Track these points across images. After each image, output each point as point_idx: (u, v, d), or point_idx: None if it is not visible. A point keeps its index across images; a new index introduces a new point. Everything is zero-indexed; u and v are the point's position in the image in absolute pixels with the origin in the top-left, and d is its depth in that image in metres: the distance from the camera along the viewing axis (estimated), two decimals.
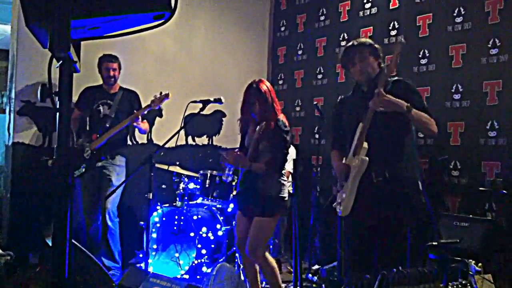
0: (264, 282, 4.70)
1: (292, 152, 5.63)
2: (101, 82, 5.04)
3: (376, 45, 3.44)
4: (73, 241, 3.26)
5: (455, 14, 5.05)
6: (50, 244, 1.58)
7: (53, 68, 1.43)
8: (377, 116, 3.18)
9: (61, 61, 1.39)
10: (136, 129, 5.05)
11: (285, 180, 3.86)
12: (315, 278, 4.87)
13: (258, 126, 3.65)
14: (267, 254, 3.85)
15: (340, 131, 3.69)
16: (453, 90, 5.02)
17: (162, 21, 1.46)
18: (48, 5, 1.30)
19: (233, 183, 5.02)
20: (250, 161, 3.74)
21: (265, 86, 3.81)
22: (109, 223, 4.71)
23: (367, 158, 3.18)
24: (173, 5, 1.41)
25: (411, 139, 3.40)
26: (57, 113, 1.40)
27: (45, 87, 1.44)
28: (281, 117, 3.82)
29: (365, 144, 3.22)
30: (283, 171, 3.87)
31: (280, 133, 3.74)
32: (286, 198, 3.83)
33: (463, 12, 4.99)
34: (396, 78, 3.46)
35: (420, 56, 5.31)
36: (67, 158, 1.39)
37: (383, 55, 3.42)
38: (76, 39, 1.48)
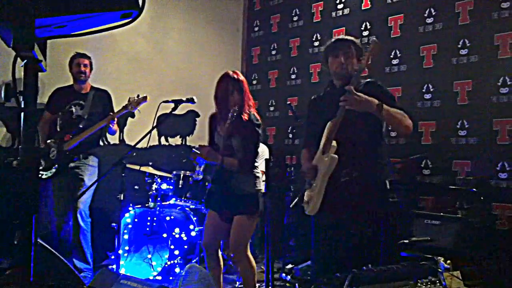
0: (238, 282, 4.70)
1: (265, 152, 5.64)
2: (71, 82, 4.96)
3: (363, 51, 3.43)
4: (42, 242, 3.20)
5: (426, 15, 5.12)
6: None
7: (18, 67, 1.41)
8: (348, 114, 3.18)
9: (25, 60, 1.36)
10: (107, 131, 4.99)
11: (258, 173, 3.81)
12: (289, 277, 4.87)
13: (229, 114, 3.59)
14: (249, 253, 3.80)
15: (312, 130, 3.67)
16: (424, 90, 5.09)
17: (130, 19, 1.43)
18: (11, 4, 1.27)
19: (207, 184, 5.00)
20: (222, 156, 3.67)
21: (242, 76, 3.75)
22: (81, 223, 4.65)
23: (336, 156, 3.16)
24: (141, 3, 1.40)
25: (380, 139, 3.40)
26: (22, 113, 1.37)
27: (9, 86, 1.41)
28: (253, 111, 3.77)
29: (334, 143, 3.20)
30: (256, 165, 3.84)
31: (253, 126, 3.67)
32: (263, 191, 3.76)
33: (434, 13, 5.07)
34: (367, 80, 3.47)
35: (391, 56, 5.37)
36: (32, 158, 1.37)
37: (362, 59, 3.41)
38: (41, 37, 1.45)
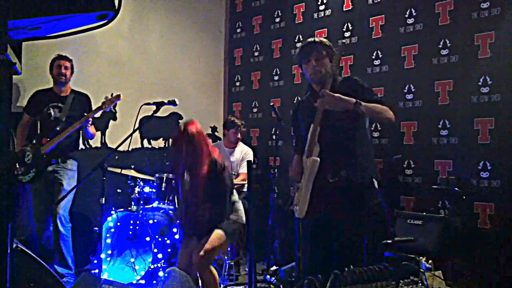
0: None
1: (248, 153, 5.64)
2: (51, 85, 4.91)
3: (334, 49, 3.42)
4: (23, 248, 3.16)
5: (406, 16, 5.15)
6: None
7: None
8: (327, 116, 3.18)
9: None
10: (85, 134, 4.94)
11: (234, 196, 3.87)
12: (273, 279, 4.86)
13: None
14: (211, 267, 3.75)
15: (299, 134, 3.69)
16: (405, 90, 5.11)
17: (106, 21, 1.41)
18: None
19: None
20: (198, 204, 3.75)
21: (194, 128, 3.74)
22: (61, 228, 4.59)
23: (318, 159, 3.17)
24: (116, 5, 1.38)
25: (364, 137, 3.40)
26: None
27: None
28: (215, 156, 3.77)
29: (317, 145, 3.22)
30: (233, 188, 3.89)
31: (216, 175, 3.70)
32: (235, 219, 3.86)
33: (414, 14, 5.10)
34: (344, 76, 3.49)
35: (373, 57, 5.39)
36: (6, 163, 1.34)
37: (337, 59, 3.41)
38: (15, 40, 1.43)
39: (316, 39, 3.44)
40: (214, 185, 3.71)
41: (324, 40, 3.45)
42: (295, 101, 3.85)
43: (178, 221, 4.05)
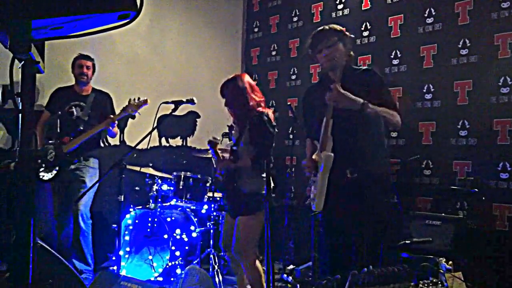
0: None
1: None
2: (73, 83, 4.96)
3: (347, 33, 3.31)
4: (43, 244, 3.20)
5: (426, 15, 5.11)
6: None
7: (16, 68, 1.40)
8: (339, 109, 3.15)
9: (22, 62, 1.36)
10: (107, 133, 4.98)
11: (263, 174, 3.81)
12: (290, 278, 4.87)
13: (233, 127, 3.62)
14: (255, 257, 3.70)
15: (310, 121, 3.63)
16: (424, 90, 5.08)
17: (128, 20, 1.42)
18: (6, 5, 1.26)
19: (207, 185, 5.00)
20: (234, 161, 3.72)
21: (240, 80, 3.75)
22: (82, 225, 4.64)
23: (331, 154, 3.13)
24: (138, 4, 1.39)
25: (379, 133, 3.35)
26: (19, 115, 1.36)
27: (6, 88, 1.40)
28: (262, 110, 3.72)
29: (330, 139, 3.17)
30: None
31: (260, 126, 3.66)
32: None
33: (433, 13, 5.06)
34: (365, 67, 3.44)
35: (392, 56, 5.36)
36: (29, 161, 1.36)
37: (351, 44, 3.32)
38: (38, 39, 1.44)
39: (326, 27, 3.35)
40: (256, 136, 3.67)
41: (335, 25, 3.35)
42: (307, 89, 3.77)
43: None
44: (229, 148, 3.93)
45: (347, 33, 3.31)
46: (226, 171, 3.84)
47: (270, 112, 3.74)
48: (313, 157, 3.30)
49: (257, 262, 3.73)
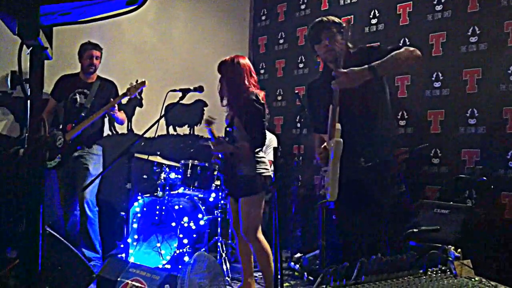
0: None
1: (273, 141, 5.61)
2: (78, 70, 4.95)
3: (344, 25, 3.31)
4: (52, 232, 3.21)
5: (435, 2, 5.07)
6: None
7: (24, 55, 1.39)
8: (348, 97, 3.13)
9: (31, 48, 1.35)
10: (114, 120, 4.98)
11: (261, 157, 3.85)
12: (297, 266, 4.88)
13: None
14: (261, 236, 3.84)
15: (315, 114, 3.64)
16: (433, 78, 5.04)
17: (135, 6, 1.41)
18: None
19: (215, 173, 5.00)
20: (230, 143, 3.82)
21: (235, 60, 3.91)
22: (89, 212, 4.66)
23: (341, 140, 3.11)
24: None
25: (386, 116, 3.34)
26: (28, 101, 1.36)
27: (15, 74, 1.41)
28: (255, 91, 3.82)
29: (338, 126, 3.15)
30: (261, 152, 3.89)
31: (252, 106, 3.75)
32: (265, 174, 3.82)
33: (442, 0, 5.01)
34: (360, 46, 3.46)
35: (400, 44, 5.31)
36: (38, 147, 1.36)
37: (348, 36, 3.33)
38: (46, 25, 1.44)
39: (324, 18, 3.37)
40: (249, 117, 3.76)
41: (333, 17, 3.38)
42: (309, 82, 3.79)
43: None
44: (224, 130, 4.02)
45: (344, 25, 3.31)
46: (223, 155, 3.92)
47: (261, 93, 3.85)
48: (325, 145, 3.31)
49: (261, 237, 3.84)
